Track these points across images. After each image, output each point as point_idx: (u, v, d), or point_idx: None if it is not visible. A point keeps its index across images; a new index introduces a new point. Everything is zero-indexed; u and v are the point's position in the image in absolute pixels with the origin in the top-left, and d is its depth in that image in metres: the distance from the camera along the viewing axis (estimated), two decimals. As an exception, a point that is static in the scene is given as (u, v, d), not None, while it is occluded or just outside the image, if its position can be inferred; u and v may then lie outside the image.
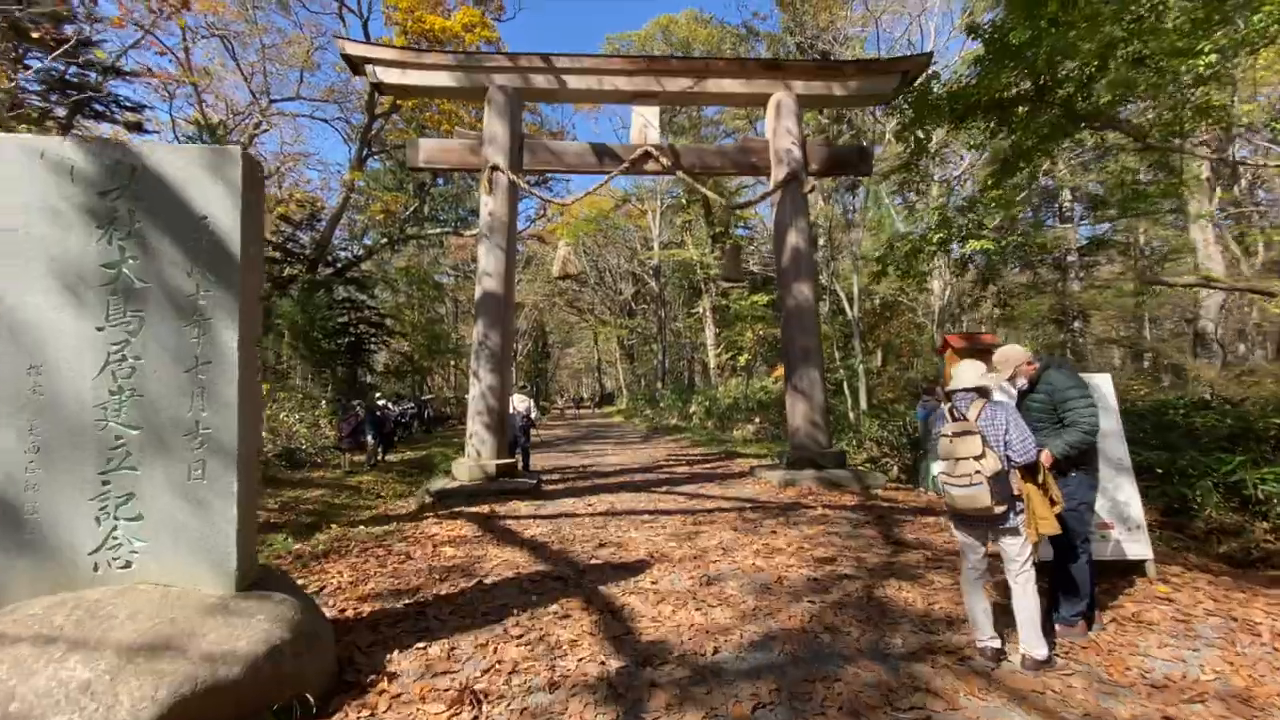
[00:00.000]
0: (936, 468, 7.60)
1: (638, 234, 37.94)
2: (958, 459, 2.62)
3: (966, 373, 2.85)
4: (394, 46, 8.52)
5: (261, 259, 2.78)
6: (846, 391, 14.98)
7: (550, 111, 27.59)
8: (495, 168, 7.66)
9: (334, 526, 6.02)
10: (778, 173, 8.15)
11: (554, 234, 38.87)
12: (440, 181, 43.00)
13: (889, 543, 4.69)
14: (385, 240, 30.72)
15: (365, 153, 25.93)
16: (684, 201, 30.90)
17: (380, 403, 14.67)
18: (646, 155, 8.02)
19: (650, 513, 6.12)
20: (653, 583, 3.72)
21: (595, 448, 14.62)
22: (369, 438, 12.91)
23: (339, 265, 25.67)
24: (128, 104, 18.13)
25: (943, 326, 17.37)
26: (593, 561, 4.27)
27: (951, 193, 13.05)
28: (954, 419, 2.73)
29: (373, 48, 7.74)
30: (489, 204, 7.73)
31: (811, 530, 5.10)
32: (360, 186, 34.42)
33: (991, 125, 6.73)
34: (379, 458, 13.57)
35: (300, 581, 4.04)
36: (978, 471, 2.56)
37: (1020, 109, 6.73)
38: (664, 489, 7.69)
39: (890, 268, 8.52)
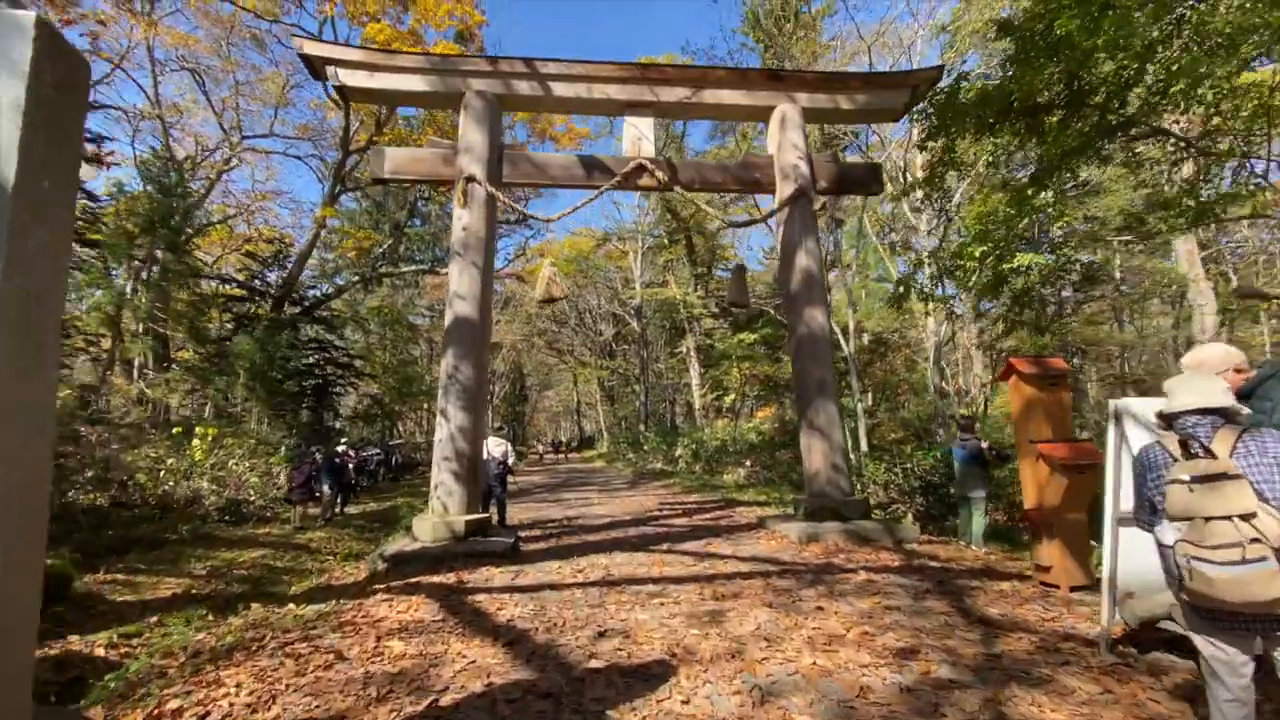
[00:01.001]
0: (980, 521, 6.85)
1: (619, 274, 37.47)
2: (1209, 519, 1.64)
3: (1199, 387, 1.83)
4: (361, 47, 7.74)
5: (74, 196, 1.75)
6: (845, 433, 14.12)
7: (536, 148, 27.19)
8: (471, 178, 6.77)
9: (255, 606, 4.76)
10: (784, 189, 7.42)
11: (533, 273, 38.24)
12: (416, 222, 42.27)
13: (972, 622, 3.65)
14: (357, 279, 29.62)
15: (339, 189, 25.09)
16: (666, 241, 30.56)
17: (340, 448, 13.31)
18: (640, 169, 7.22)
19: (655, 581, 4.99)
20: (684, 702, 2.61)
21: (578, 496, 13.37)
22: (325, 488, 11.53)
23: (307, 304, 24.44)
24: (87, 135, 17.08)
25: (938, 364, 16.75)
26: (592, 663, 3.14)
27: (950, 221, 12.61)
28: (1189, 455, 1.76)
29: (335, 47, 6.93)
30: (463, 218, 6.80)
31: (865, 604, 4.04)
32: (334, 226, 33.47)
33: (1020, 134, 6.12)
34: (336, 510, 12.14)
35: (176, 704, 2.83)
36: (1255, 540, 1.57)
37: (1051, 117, 6.14)
38: (665, 547, 6.56)
39: (913, 290, 7.76)
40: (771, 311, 19.71)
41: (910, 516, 9.82)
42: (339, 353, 24.11)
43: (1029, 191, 5.91)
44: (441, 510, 6.32)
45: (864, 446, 13.75)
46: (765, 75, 7.57)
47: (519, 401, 55.91)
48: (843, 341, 14.22)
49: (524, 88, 7.25)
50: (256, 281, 23.96)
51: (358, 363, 25.41)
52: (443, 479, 6.35)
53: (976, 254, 5.48)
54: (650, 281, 33.56)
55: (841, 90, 7.77)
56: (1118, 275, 16.55)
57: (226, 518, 10.48)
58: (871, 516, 6.98)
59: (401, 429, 34.08)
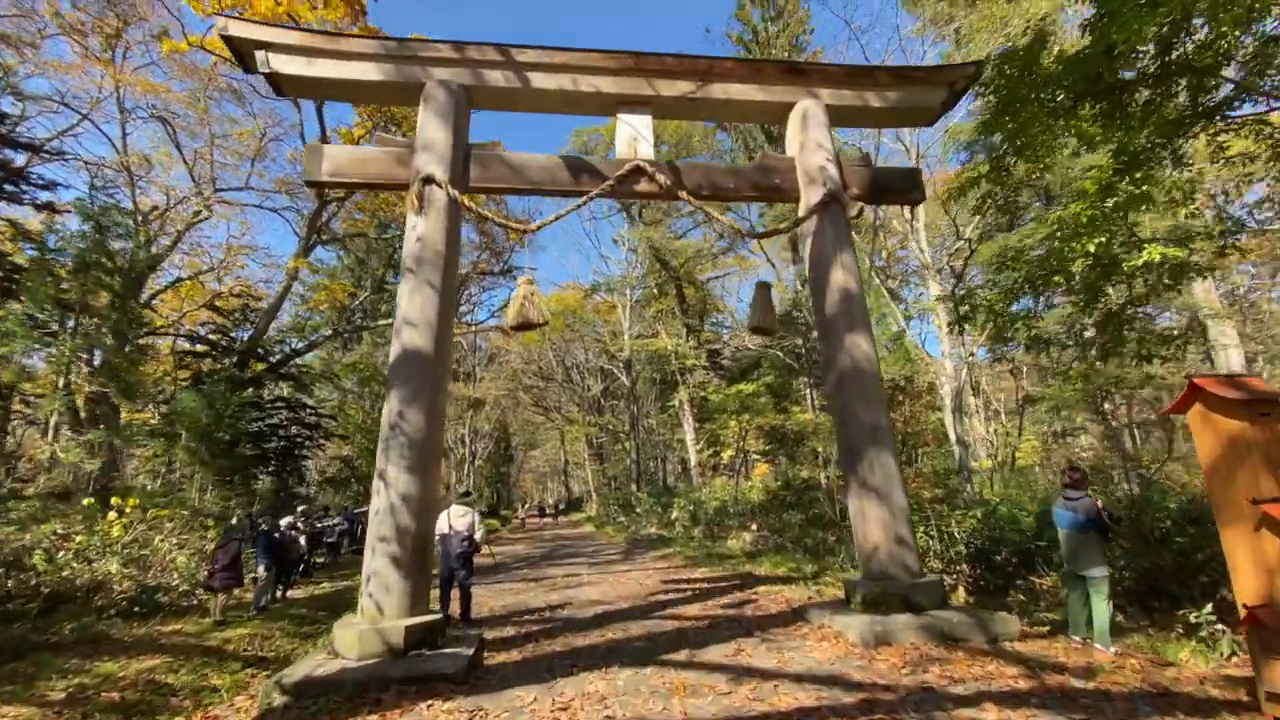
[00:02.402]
0: (1106, 609, 4.67)
1: (606, 328, 36.36)
2: None
3: None
4: (299, 28, 6.60)
5: None
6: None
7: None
8: (429, 179, 5.43)
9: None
10: (810, 195, 6.17)
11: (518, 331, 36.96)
12: (397, 278, 41.27)
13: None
14: (330, 333, 28.09)
15: (313, 240, 23.97)
16: (656, 291, 29.58)
17: (285, 521, 11.38)
18: (638, 172, 5.95)
19: (678, 726, 3.32)
20: None
21: (566, 572, 11.45)
22: (261, 569, 9.60)
23: (274, 360, 22.79)
24: (39, 181, 15.80)
25: (957, 412, 15.36)
26: None
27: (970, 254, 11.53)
28: None
29: (267, 28, 5.73)
30: (418, 227, 5.41)
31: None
32: (310, 282, 32.22)
33: (1101, 117, 4.98)
34: (275, 596, 10.14)
35: None
36: None
37: (1137, 96, 5.02)
38: (683, 655, 4.83)
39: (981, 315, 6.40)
40: (780, 354, 18.36)
41: (962, 590, 8.14)
42: (307, 412, 22.21)
43: (1120, 182, 4.72)
44: (374, 612, 4.59)
45: (889, 505, 12.05)
46: (783, 68, 6.46)
47: (504, 462, 53.49)
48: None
49: (497, 78, 6.05)
50: (219, 337, 22.37)
51: (328, 422, 23.51)
52: (377, 567, 4.65)
53: (1091, 247, 4.22)
54: (640, 334, 32.39)
55: (870, 86, 6.67)
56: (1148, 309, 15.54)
57: (137, 609, 8.52)
58: (949, 603, 5.35)
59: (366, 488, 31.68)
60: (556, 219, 5.66)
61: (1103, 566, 4.65)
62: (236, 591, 9.21)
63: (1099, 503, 4.78)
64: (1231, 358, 16.48)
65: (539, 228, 5.62)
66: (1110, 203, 4.30)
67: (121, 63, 21.19)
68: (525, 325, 5.37)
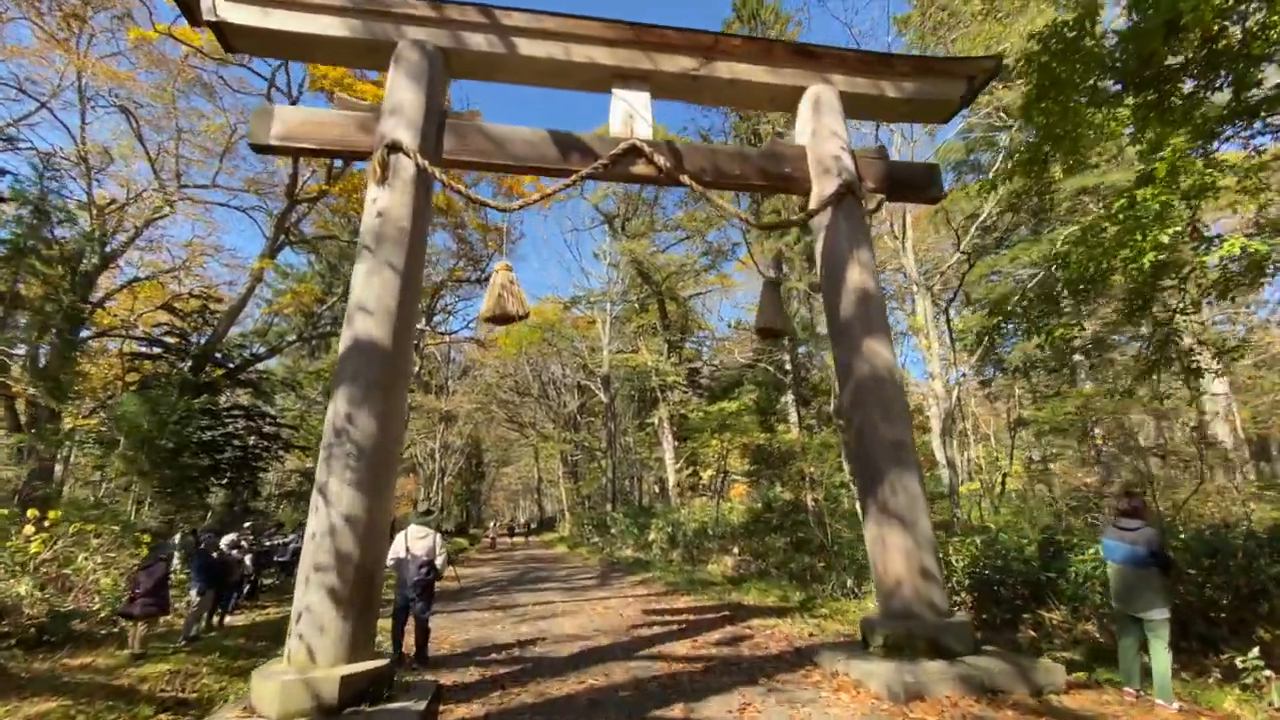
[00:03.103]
0: (1167, 657, 3.99)
1: (585, 343, 35.63)
2: None
3: None
4: None
5: None
6: (859, 508, 11.88)
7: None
8: (395, 145, 4.70)
9: None
10: (823, 186, 5.61)
11: (494, 341, 35.97)
12: (374, 286, 39.71)
13: None
14: (296, 338, 26.83)
15: (281, 241, 22.88)
16: (637, 306, 28.97)
17: (227, 540, 10.27)
18: (634, 152, 5.31)
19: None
20: None
21: (536, 599, 10.51)
22: (194, 593, 8.54)
23: (232, 365, 21.50)
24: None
25: (946, 435, 14.92)
26: None
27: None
28: None
29: (214, -30, 5.01)
30: (380, 200, 4.66)
31: None
32: (278, 286, 30.87)
33: (1143, 108, 4.53)
34: (212, 623, 9.05)
35: None
36: None
37: (1181, 86, 4.57)
38: (678, 713, 4.04)
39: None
40: (771, 369, 17.76)
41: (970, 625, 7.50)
42: (267, 422, 20.91)
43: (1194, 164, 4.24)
44: (304, 658, 3.74)
45: (880, 531, 11.42)
46: (794, 50, 5.93)
47: (475, 479, 51.88)
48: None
49: (479, 42, 5.38)
50: (175, 340, 21.05)
51: (289, 433, 22.20)
52: (311, 603, 3.80)
53: (1164, 237, 3.68)
54: (619, 350, 31.70)
55: (887, 74, 6.17)
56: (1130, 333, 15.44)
57: (46, 638, 7.41)
58: (982, 646, 4.68)
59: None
60: (543, 198, 4.99)
61: (1164, 608, 4.04)
62: (167, 618, 8.14)
63: (1156, 533, 4.18)
64: (1216, 388, 16.46)
65: (521, 206, 4.92)
66: (1184, 184, 3.78)
67: (85, 50, 20.05)
68: (503, 317, 4.62)
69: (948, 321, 11.66)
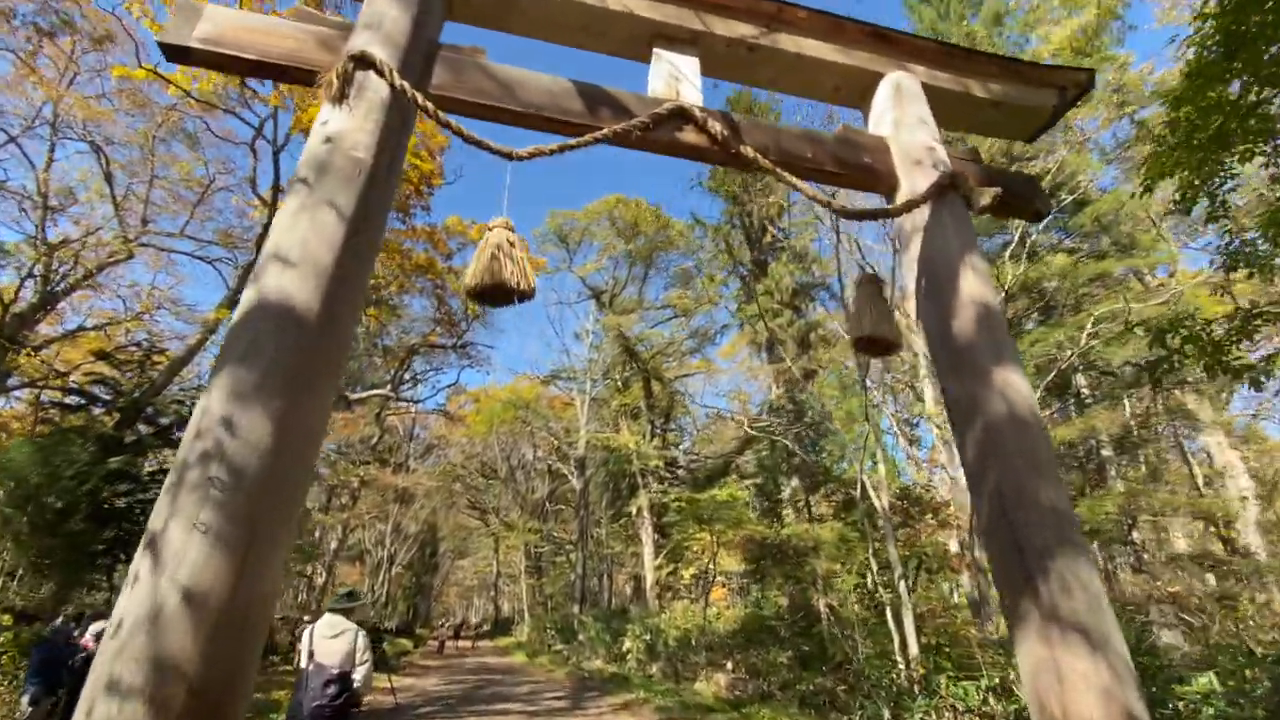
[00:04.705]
0: None
1: (560, 423, 33.76)
2: None
3: None
4: None
5: None
6: (891, 624, 9.91)
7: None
8: (364, 59, 3.37)
9: None
10: (916, 179, 4.40)
11: (463, 418, 33.66)
12: (340, 356, 37.77)
13: None
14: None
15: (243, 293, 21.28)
16: (620, 384, 27.49)
17: (94, 629, 7.80)
18: (680, 115, 4.06)
19: None
20: None
21: (494, 725, 8.10)
22: (25, 700, 6.22)
23: (167, 423, 19.08)
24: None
25: (972, 534, 13.28)
26: None
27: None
28: None
29: None
30: (332, 121, 3.23)
31: None
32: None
33: None
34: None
35: None
36: None
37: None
38: None
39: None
40: (785, 441, 15.99)
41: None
42: (190, 489, 18.17)
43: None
44: None
45: (914, 647, 9.43)
46: (868, 31, 4.95)
47: (427, 571, 47.29)
48: (872, 493, 10.67)
49: (492, -29, 4.25)
50: (110, 394, 18.82)
51: (215, 505, 19.37)
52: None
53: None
54: (598, 432, 29.86)
55: (972, 72, 5.20)
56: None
57: None
58: None
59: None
60: (562, 149, 3.64)
61: None
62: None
63: None
64: (1243, 486, 15.40)
65: (532, 154, 3.55)
66: None
67: (66, 85, 19.26)
68: (497, 289, 3.07)
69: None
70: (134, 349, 21.51)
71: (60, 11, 15.73)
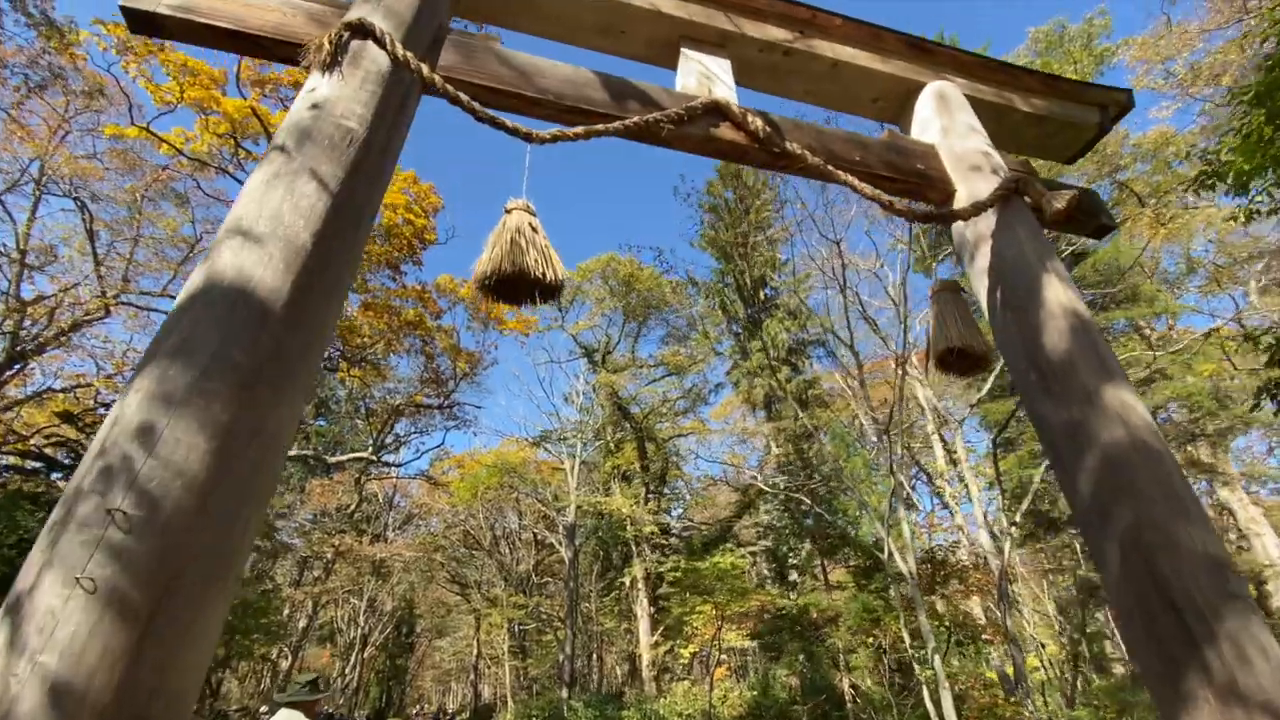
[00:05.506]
0: None
1: (549, 489, 32.35)
2: None
3: None
4: None
5: None
6: (929, 704, 8.76)
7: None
8: (360, 27, 2.91)
9: None
10: (974, 185, 3.97)
11: (446, 484, 32.11)
12: (321, 420, 36.65)
13: None
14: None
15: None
16: (612, 445, 26.50)
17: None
18: (715, 111, 3.64)
19: None
20: None
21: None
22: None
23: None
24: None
25: (1003, 601, 12.29)
26: None
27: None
28: None
29: None
30: (320, 88, 2.72)
31: None
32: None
33: None
34: None
35: None
36: None
37: None
38: None
39: None
40: (800, 497, 15.02)
41: None
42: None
43: None
44: None
45: (955, 731, 8.30)
46: (906, 41, 4.67)
47: (402, 652, 43.91)
48: (898, 556, 9.77)
49: (506, -39, 3.90)
50: (63, 454, 17.61)
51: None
52: None
53: None
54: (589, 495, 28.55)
55: (1012, 85, 4.93)
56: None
57: None
58: None
59: (219, 684, 23.71)
60: (587, 135, 3.15)
61: None
62: None
63: None
64: (1269, 543, 14.69)
65: (553, 139, 3.05)
66: None
67: (55, 143, 19.16)
68: (519, 278, 2.46)
69: (995, 461, 9.83)
70: (103, 411, 20.43)
71: (54, 66, 15.71)
